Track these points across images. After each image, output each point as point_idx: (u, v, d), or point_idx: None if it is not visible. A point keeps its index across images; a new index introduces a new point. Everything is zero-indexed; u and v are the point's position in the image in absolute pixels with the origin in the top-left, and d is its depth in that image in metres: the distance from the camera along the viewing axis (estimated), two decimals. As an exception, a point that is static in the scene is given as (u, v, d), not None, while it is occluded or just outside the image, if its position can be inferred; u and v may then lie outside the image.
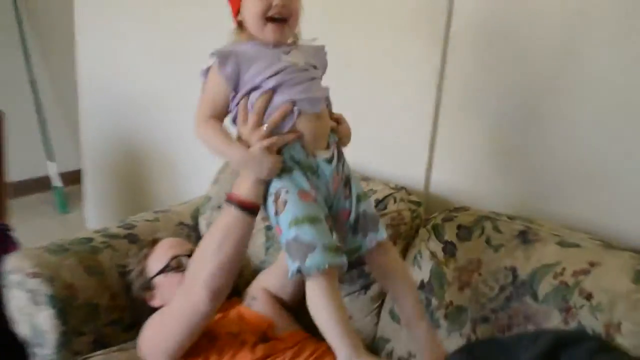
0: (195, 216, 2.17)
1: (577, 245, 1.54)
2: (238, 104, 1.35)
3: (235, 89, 1.34)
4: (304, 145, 1.34)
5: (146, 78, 2.74)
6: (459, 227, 1.69)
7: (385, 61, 1.98)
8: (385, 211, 1.78)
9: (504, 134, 1.80)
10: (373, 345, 1.78)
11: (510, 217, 1.68)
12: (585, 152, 1.66)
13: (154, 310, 1.78)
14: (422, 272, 1.71)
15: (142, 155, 2.88)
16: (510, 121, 1.78)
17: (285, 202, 1.30)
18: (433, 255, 1.70)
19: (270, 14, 1.30)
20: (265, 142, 1.30)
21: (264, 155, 1.29)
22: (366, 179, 1.90)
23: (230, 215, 1.36)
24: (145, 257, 1.81)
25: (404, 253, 1.78)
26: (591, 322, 1.43)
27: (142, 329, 1.65)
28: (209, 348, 1.59)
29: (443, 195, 1.94)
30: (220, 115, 1.37)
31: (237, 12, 1.37)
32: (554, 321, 1.48)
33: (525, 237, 1.60)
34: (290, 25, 1.35)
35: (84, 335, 1.77)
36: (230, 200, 1.37)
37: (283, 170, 1.33)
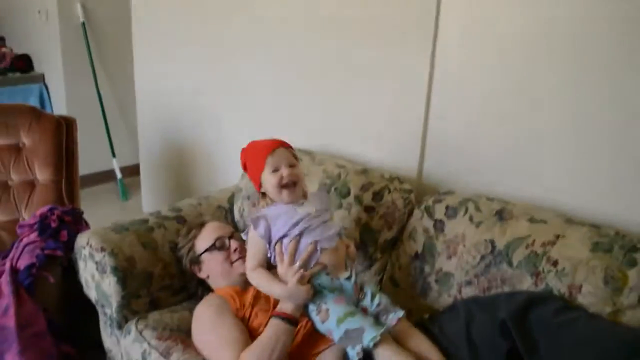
0: (231, 201, 2.17)
1: (545, 222, 1.53)
2: (274, 249, 1.50)
3: (269, 242, 1.51)
4: (329, 272, 1.47)
5: (189, 89, 2.75)
6: (447, 207, 1.68)
7: (380, 67, 1.96)
8: (382, 202, 1.78)
9: (486, 129, 1.78)
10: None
11: (489, 199, 1.67)
12: (549, 146, 1.65)
13: (199, 279, 1.80)
14: (416, 244, 1.70)
15: (187, 152, 2.89)
16: (490, 120, 1.76)
17: (327, 310, 1.42)
18: (425, 231, 1.70)
19: (283, 183, 1.49)
20: (298, 276, 1.42)
21: (298, 287, 1.42)
22: (365, 171, 1.89)
23: (279, 326, 1.42)
24: (194, 237, 1.81)
25: (399, 235, 1.78)
26: (557, 285, 1.42)
27: (195, 325, 1.63)
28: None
29: (433, 182, 1.93)
30: (262, 263, 1.52)
31: (259, 186, 1.55)
32: (526, 284, 1.48)
33: (501, 215, 1.59)
34: (298, 187, 1.53)
35: (141, 298, 1.78)
36: (277, 315, 1.44)
37: (316, 293, 1.45)
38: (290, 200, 1.51)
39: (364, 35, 1.98)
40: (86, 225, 2.14)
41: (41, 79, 4.03)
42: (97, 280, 1.77)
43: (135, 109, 3.15)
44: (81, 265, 1.82)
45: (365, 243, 1.80)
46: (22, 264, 1.85)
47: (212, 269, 1.74)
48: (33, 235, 1.97)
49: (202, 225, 1.84)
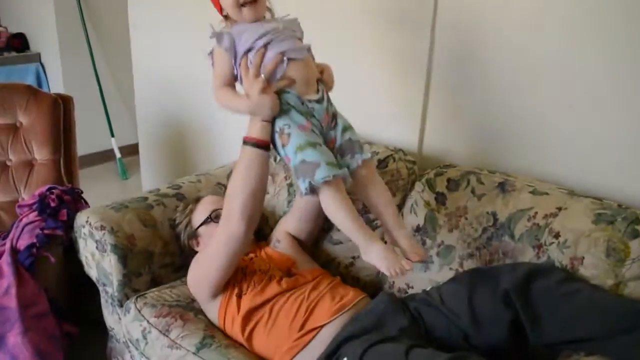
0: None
1: (547, 194, 1.52)
2: (239, 65, 1.37)
3: (235, 58, 1.37)
4: (297, 90, 1.36)
5: (187, 65, 2.73)
6: (448, 180, 1.67)
7: (380, 41, 1.94)
8: (386, 169, 1.77)
9: (485, 104, 1.77)
10: (377, 278, 1.78)
11: (491, 172, 1.66)
12: (552, 121, 1.64)
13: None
14: (418, 217, 1.69)
15: (186, 130, 2.87)
16: (490, 94, 1.75)
17: (289, 135, 1.33)
18: (427, 204, 1.69)
19: (242, 1, 1.34)
20: (261, 86, 1.31)
21: (263, 97, 1.31)
22: (369, 143, 1.88)
23: (248, 154, 1.37)
24: (191, 212, 1.81)
25: (402, 203, 1.77)
26: (559, 257, 1.42)
27: (190, 269, 1.65)
28: (243, 280, 1.60)
29: (434, 155, 1.91)
30: (229, 82, 1.40)
31: (220, 7, 1.40)
32: (528, 256, 1.48)
33: (503, 187, 1.58)
34: (260, 3, 1.37)
35: (142, 276, 1.78)
36: (246, 141, 1.38)
37: (283, 112, 1.34)
38: (253, 17, 1.37)
39: (365, 10, 1.95)
40: (86, 205, 2.14)
41: (37, 58, 4.01)
42: (98, 259, 1.76)
43: (134, 88, 3.12)
44: (81, 244, 1.82)
45: (367, 210, 1.77)
46: (22, 244, 1.85)
47: (210, 241, 1.73)
48: (32, 215, 1.97)
49: (197, 200, 1.84)
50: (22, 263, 1.81)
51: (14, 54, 3.95)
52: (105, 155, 4.18)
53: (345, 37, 2.02)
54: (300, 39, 1.46)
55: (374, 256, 1.29)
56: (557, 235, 1.43)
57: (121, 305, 1.76)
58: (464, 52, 1.77)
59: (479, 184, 1.62)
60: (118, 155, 4.05)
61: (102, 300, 1.89)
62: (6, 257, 1.82)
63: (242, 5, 1.35)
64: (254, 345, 1.52)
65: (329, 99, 1.43)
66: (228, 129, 2.60)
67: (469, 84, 1.78)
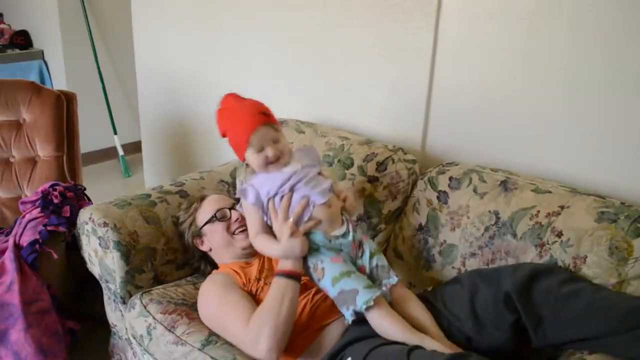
0: (233, 175, 2.16)
1: (549, 192, 1.52)
2: (267, 209, 1.48)
3: (262, 208, 1.48)
4: (324, 228, 1.45)
5: (190, 63, 2.73)
6: (450, 178, 1.67)
7: (383, 38, 1.94)
8: (385, 172, 1.77)
9: (488, 102, 1.77)
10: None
11: (493, 170, 1.66)
12: (552, 117, 1.64)
13: (203, 254, 1.80)
14: (420, 216, 1.69)
15: (189, 127, 2.87)
16: (493, 92, 1.74)
17: (323, 269, 1.42)
18: (429, 202, 1.69)
19: (268, 161, 1.46)
20: (290, 230, 1.41)
21: (291, 241, 1.41)
22: (369, 141, 1.88)
23: (283, 284, 1.41)
24: (195, 210, 1.81)
25: (403, 205, 1.77)
26: (561, 255, 1.42)
27: (202, 300, 1.62)
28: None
29: (437, 153, 1.91)
30: (262, 229, 1.50)
31: (243, 159, 1.51)
32: (530, 255, 1.47)
33: (505, 186, 1.58)
34: (284, 158, 1.48)
35: (145, 272, 1.78)
36: (279, 274, 1.43)
37: (313, 251, 1.44)
38: (278, 169, 1.48)
39: (367, 6, 1.95)
40: (88, 201, 2.14)
41: (40, 55, 4.01)
42: (101, 256, 1.77)
43: (136, 85, 3.13)
44: (84, 240, 1.82)
45: (369, 214, 1.79)
46: (25, 241, 1.85)
47: (214, 240, 1.74)
48: (35, 212, 1.97)
49: (202, 198, 1.84)
50: (25, 259, 1.81)
51: (17, 51, 3.95)
52: (108, 153, 4.18)
53: (349, 34, 2.02)
54: (319, 170, 1.55)
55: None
56: (559, 234, 1.43)
57: (124, 302, 1.76)
58: (467, 50, 1.77)
59: (481, 182, 1.62)
60: (121, 152, 4.05)
61: (105, 297, 1.89)
62: (9, 254, 1.82)
63: (269, 164, 1.46)
64: None
65: (354, 229, 1.50)
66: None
67: (472, 82, 1.78)
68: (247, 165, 1.53)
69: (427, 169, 1.79)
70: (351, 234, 1.48)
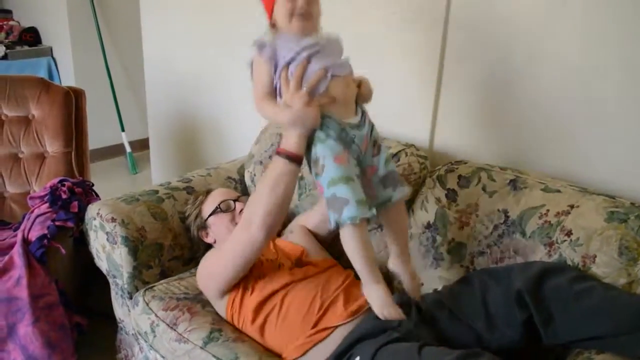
0: (240, 172, 2.16)
1: (559, 191, 1.51)
2: (280, 76, 1.34)
3: (276, 68, 1.34)
4: (337, 110, 1.32)
5: (198, 61, 2.73)
6: (459, 177, 1.66)
7: (395, 39, 1.93)
8: (398, 163, 1.76)
9: (496, 101, 1.76)
10: (387, 274, 1.76)
11: (502, 168, 1.65)
12: (561, 115, 1.63)
13: (208, 246, 1.79)
14: (428, 214, 1.68)
15: (196, 124, 2.87)
16: (501, 90, 1.73)
17: (323, 167, 1.30)
18: (438, 200, 1.68)
19: (296, 12, 1.30)
20: (305, 98, 1.28)
21: (305, 110, 1.28)
22: (382, 138, 1.86)
23: (280, 165, 1.34)
24: (201, 203, 1.81)
25: (413, 199, 1.76)
26: (571, 255, 1.41)
27: (201, 263, 1.64)
28: (250, 275, 1.57)
29: (445, 152, 1.90)
30: (270, 92, 1.36)
31: (271, 13, 1.36)
32: (539, 254, 1.46)
33: (515, 185, 1.57)
34: (312, 21, 1.34)
35: (152, 268, 1.78)
36: (279, 153, 1.34)
37: (320, 140, 1.31)
38: (301, 31, 1.33)
39: (378, 5, 1.95)
40: (97, 197, 2.14)
41: (49, 52, 4.02)
42: (108, 251, 1.77)
43: (144, 82, 3.13)
44: (92, 236, 1.82)
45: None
46: (33, 235, 1.85)
47: (219, 232, 1.74)
48: (44, 207, 1.97)
49: (208, 192, 1.85)
50: (33, 254, 1.82)
51: (26, 47, 3.96)
52: (116, 150, 4.19)
53: (358, 32, 2.01)
54: (341, 54, 1.42)
55: (373, 294, 1.31)
56: (569, 233, 1.42)
57: (131, 298, 1.76)
58: (476, 48, 1.76)
59: (490, 181, 1.61)
60: (128, 149, 4.05)
61: (112, 292, 1.89)
62: (17, 248, 1.83)
63: (292, 16, 1.32)
64: (265, 338, 1.51)
65: (370, 123, 1.40)
66: (238, 123, 2.60)
67: (480, 80, 1.77)
68: (271, 26, 1.38)
69: (434, 167, 1.79)
70: (367, 125, 1.38)
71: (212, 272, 1.58)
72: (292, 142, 1.32)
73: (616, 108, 1.54)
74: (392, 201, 1.40)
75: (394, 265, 1.46)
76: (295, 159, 1.33)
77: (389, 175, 1.41)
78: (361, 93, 1.41)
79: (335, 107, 1.32)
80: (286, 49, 1.32)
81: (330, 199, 1.28)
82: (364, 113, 1.40)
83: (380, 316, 1.30)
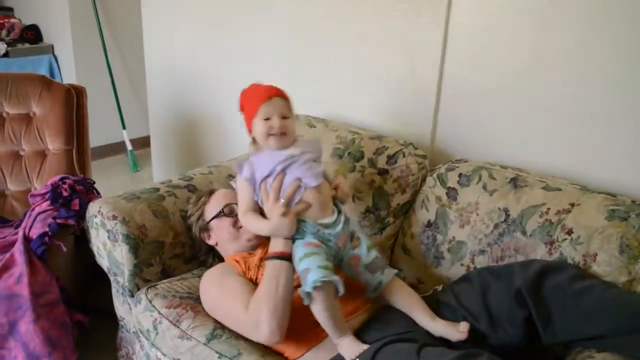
0: (241, 170, 2.16)
1: (559, 189, 1.51)
2: (260, 190, 1.49)
3: (255, 187, 1.50)
4: (313, 214, 1.45)
5: (199, 59, 2.73)
6: (460, 175, 1.67)
7: (396, 37, 1.93)
8: (396, 165, 1.77)
9: (497, 99, 1.76)
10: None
11: (503, 167, 1.65)
12: (562, 113, 1.62)
13: (210, 247, 1.80)
14: (429, 213, 1.68)
15: (197, 122, 2.87)
16: (503, 89, 1.73)
17: (296, 252, 1.42)
18: (438, 199, 1.68)
19: (271, 133, 1.48)
20: (281, 210, 1.42)
21: (282, 221, 1.41)
22: (379, 136, 1.88)
23: (275, 265, 1.42)
24: (204, 204, 1.81)
25: (413, 199, 1.76)
26: (571, 253, 1.41)
27: (203, 289, 1.63)
28: (257, 277, 1.58)
29: (446, 150, 1.90)
30: (252, 207, 1.52)
31: (250, 130, 1.55)
32: (540, 253, 1.46)
33: (515, 183, 1.57)
34: (287, 137, 1.50)
35: (153, 266, 1.78)
36: (269, 257, 1.44)
37: (297, 238, 1.44)
38: (277, 147, 1.49)
39: (378, 2, 1.94)
40: (97, 195, 2.14)
41: (50, 50, 4.02)
42: (109, 249, 1.77)
43: (145, 80, 3.13)
44: (93, 233, 1.82)
45: (377, 206, 1.79)
46: (34, 233, 1.85)
47: (221, 235, 1.74)
48: (45, 205, 1.97)
49: (211, 193, 1.84)
50: (34, 251, 1.81)
51: (27, 45, 3.96)
52: (117, 148, 4.19)
53: (359, 31, 2.02)
54: (317, 160, 1.55)
55: (342, 347, 1.38)
56: (569, 232, 1.42)
57: (132, 295, 1.76)
58: (477, 47, 1.76)
59: (490, 179, 1.61)
60: (129, 147, 4.05)
61: (113, 290, 1.89)
62: (19, 246, 1.83)
63: (271, 135, 1.48)
64: None
65: (346, 219, 1.49)
66: (239, 121, 2.59)
67: (481, 79, 1.77)
68: (253, 141, 1.56)
69: (435, 165, 1.79)
70: (341, 224, 1.47)
71: (215, 314, 1.59)
72: (279, 245, 1.44)
73: (616, 106, 1.54)
74: (383, 284, 1.47)
75: (431, 329, 1.43)
76: (284, 257, 1.43)
77: (373, 262, 1.48)
78: (338, 196, 1.53)
79: (311, 211, 1.45)
80: (262, 167, 1.49)
81: (300, 275, 1.37)
82: (340, 212, 1.50)
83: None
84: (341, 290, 1.37)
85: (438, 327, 1.40)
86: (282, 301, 1.39)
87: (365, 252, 1.49)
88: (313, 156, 1.53)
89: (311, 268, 1.35)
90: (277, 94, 1.53)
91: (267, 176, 1.48)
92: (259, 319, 1.40)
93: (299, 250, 1.41)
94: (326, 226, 1.45)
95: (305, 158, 1.50)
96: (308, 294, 1.35)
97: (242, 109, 1.58)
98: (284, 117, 1.50)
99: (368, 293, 1.47)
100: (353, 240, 1.50)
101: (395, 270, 1.50)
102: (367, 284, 1.48)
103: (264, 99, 1.50)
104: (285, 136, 1.50)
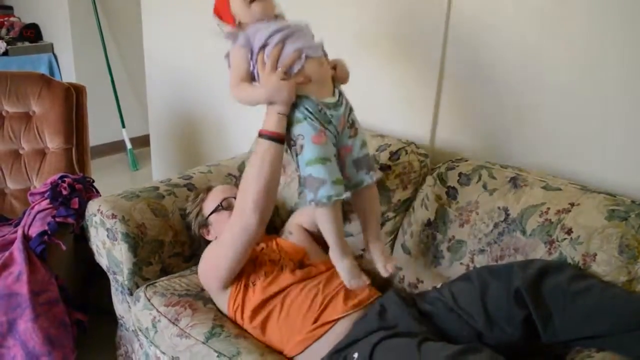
0: (241, 169, 2.16)
1: (559, 189, 1.51)
2: (256, 60, 1.37)
3: (251, 54, 1.37)
4: (313, 89, 1.36)
5: (199, 58, 2.72)
6: (460, 174, 1.66)
7: (395, 37, 1.93)
8: (398, 161, 1.76)
9: (498, 99, 1.75)
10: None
11: (503, 166, 1.65)
12: (563, 114, 1.62)
13: (209, 242, 1.79)
14: (428, 212, 1.68)
15: (197, 121, 2.87)
16: (502, 88, 1.73)
17: (302, 146, 1.34)
18: (438, 198, 1.68)
19: None
20: (281, 75, 1.32)
21: (280, 84, 1.31)
22: (381, 135, 1.87)
23: (263, 146, 1.37)
24: (202, 201, 1.81)
25: (413, 196, 1.76)
26: (571, 253, 1.40)
27: (202, 257, 1.65)
28: (253, 271, 1.60)
29: (446, 149, 1.90)
30: (246, 78, 1.39)
31: (230, 16, 1.41)
32: (540, 252, 1.46)
33: (515, 182, 1.57)
34: (270, 1, 1.40)
35: (152, 265, 1.78)
36: (261, 134, 1.37)
37: (298, 121, 1.35)
38: (263, 12, 1.38)
39: (379, 3, 1.94)
40: (97, 193, 2.14)
41: (50, 48, 4.01)
42: (108, 247, 1.76)
43: (145, 79, 3.12)
44: (92, 232, 1.82)
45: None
46: (34, 232, 1.85)
47: (220, 229, 1.74)
48: (44, 203, 1.97)
49: (209, 189, 1.84)
50: (34, 250, 1.81)
51: (27, 44, 3.95)
52: (116, 146, 4.19)
53: (359, 30, 2.01)
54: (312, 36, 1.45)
55: (341, 268, 1.40)
56: (569, 232, 1.42)
57: (131, 294, 1.76)
58: (478, 47, 1.75)
59: (490, 179, 1.61)
60: (129, 146, 4.05)
61: (112, 289, 1.89)
62: (18, 244, 1.82)
63: (251, 1, 1.36)
64: (266, 335, 1.51)
65: (347, 104, 1.43)
66: (239, 120, 2.60)
67: (481, 78, 1.77)
68: (238, 25, 1.42)
69: (435, 165, 1.78)
70: (344, 106, 1.41)
71: (212, 266, 1.60)
72: (272, 121, 1.35)
73: (617, 106, 1.54)
74: (364, 184, 1.44)
75: (365, 245, 1.48)
76: (277, 138, 1.35)
77: (362, 159, 1.44)
78: (337, 75, 1.44)
79: (311, 86, 1.35)
80: (259, 34, 1.36)
81: (308, 179, 1.33)
82: (341, 94, 1.43)
83: (348, 286, 1.41)
84: (347, 199, 1.35)
85: (375, 249, 1.45)
86: (268, 186, 1.38)
87: (359, 146, 1.44)
88: (309, 31, 1.44)
89: (326, 180, 1.31)
90: None
91: (264, 46, 1.36)
92: (243, 204, 1.40)
93: (309, 147, 1.33)
94: (328, 106, 1.37)
95: (304, 30, 1.41)
96: (317, 204, 1.33)
97: (215, 8, 1.49)
98: None
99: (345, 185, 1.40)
100: (352, 129, 1.43)
101: (380, 174, 1.50)
102: (349, 178, 1.44)
103: None
104: (267, 2, 1.39)
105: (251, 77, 1.39)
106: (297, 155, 1.36)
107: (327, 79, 1.40)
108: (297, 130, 1.35)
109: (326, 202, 1.31)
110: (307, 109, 1.34)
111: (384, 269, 1.45)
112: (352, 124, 1.43)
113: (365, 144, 1.46)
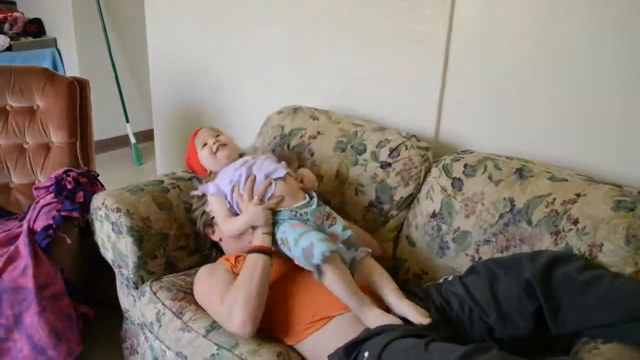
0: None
1: (565, 180, 1.50)
2: (232, 198, 1.61)
3: (225, 197, 1.62)
4: (287, 203, 1.56)
5: (202, 52, 2.72)
6: (465, 166, 1.66)
7: (401, 30, 1.92)
8: (398, 158, 1.77)
9: (503, 90, 1.75)
10: (392, 264, 1.77)
11: (509, 158, 1.64)
12: (569, 105, 1.61)
13: (214, 243, 1.81)
14: (434, 203, 1.68)
15: (200, 115, 2.87)
16: (508, 80, 1.72)
17: (287, 239, 1.49)
18: (443, 189, 1.67)
19: (213, 150, 1.71)
20: (255, 201, 1.55)
21: (255, 209, 1.52)
22: (382, 128, 1.88)
23: (254, 259, 1.49)
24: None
25: (416, 192, 1.76)
26: (577, 244, 1.40)
27: (195, 283, 1.67)
28: None
29: (451, 141, 1.90)
30: (229, 214, 1.61)
31: (204, 170, 1.77)
32: (545, 243, 1.46)
33: (521, 173, 1.56)
34: (230, 147, 1.73)
35: (157, 258, 1.78)
36: (250, 250, 1.51)
37: (280, 226, 1.52)
38: (227, 158, 1.69)
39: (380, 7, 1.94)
40: (101, 187, 2.14)
41: (53, 43, 4.01)
42: (114, 241, 1.76)
43: (149, 74, 3.12)
44: (97, 226, 1.82)
45: (380, 200, 1.79)
46: (39, 226, 1.85)
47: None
48: (49, 197, 1.97)
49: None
50: (39, 244, 1.82)
51: (30, 39, 3.95)
52: (120, 141, 4.19)
53: (363, 23, 2.01)
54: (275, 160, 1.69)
55: (368, 319, 1.39)
56: (575, 222, 1.41)
57: (136, 287, 1.76)
58: (482, 39, 1.75)
59: (496, 170, 1.60)
60: (133, 140, 4.05)
61: (118, 282, 1.89)
62: (23, 238, 1.83)
63: (215, 152, 1.70)
64: (265, 323, 1.51)
65: (318, 202, 1.59)
66: (241, 115, 2.60)
67: (486, 71, 1.76)
68: (209, 174, 1.72)
69: (440, 157, 1.78)
70: (315, 204, 1.57)
71: (203, 301, 1.62)
72: (258, 240, 1.52)
73: (621, 97, 1.53)
74: (357, 260, 1.51)
75: (396, 307, 1.44)
76: (264, 251, 1.50)
77: (348, 239, 1.53)
78: (305, 186, 1.65)
79: (285, 202, 1.56)
80: (226, 178, 1.63)
81: (302, 255, 1.42)
82: (312, 197, 1.60)
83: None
84: (345, 255, 1.46)
85: (403, 306, 1.41)
86: (256, 294, 1.44)
87: (341, 229, 1.55)
88: (270, 156, 1.68)
89: (314, 242, 1.40)
90: (200, 128, 1.80)
91: (236, 184, 1.60)
92: (231, 308, 1.45)
93: (291, 232, 1.47)
94: (301, 207, 1.55)
95: (263, 157, 1.66)
96: (318, 269, 1.39)
97: (188, 164, 1.83)
98: (217, 136, 1.74)
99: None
100: (329, 219, 1.57)
101: (369, 249, 1.54)
102: (344, 261, 1.49)
103: (193, 136, 1.79)
104: (227, 146, 1.71)
105: (233, 212, 1.61)
106: (289, 251, 1.48)
107: (296, 189, 1.61)
108: (279, 232, 1.52)
109: (323, 260, 1.37)
110: (282, 217, 1.54)
111: (420, 319, 1.40)
112: (329, 215, 1.58)
113: (346, 227, 1.56)
